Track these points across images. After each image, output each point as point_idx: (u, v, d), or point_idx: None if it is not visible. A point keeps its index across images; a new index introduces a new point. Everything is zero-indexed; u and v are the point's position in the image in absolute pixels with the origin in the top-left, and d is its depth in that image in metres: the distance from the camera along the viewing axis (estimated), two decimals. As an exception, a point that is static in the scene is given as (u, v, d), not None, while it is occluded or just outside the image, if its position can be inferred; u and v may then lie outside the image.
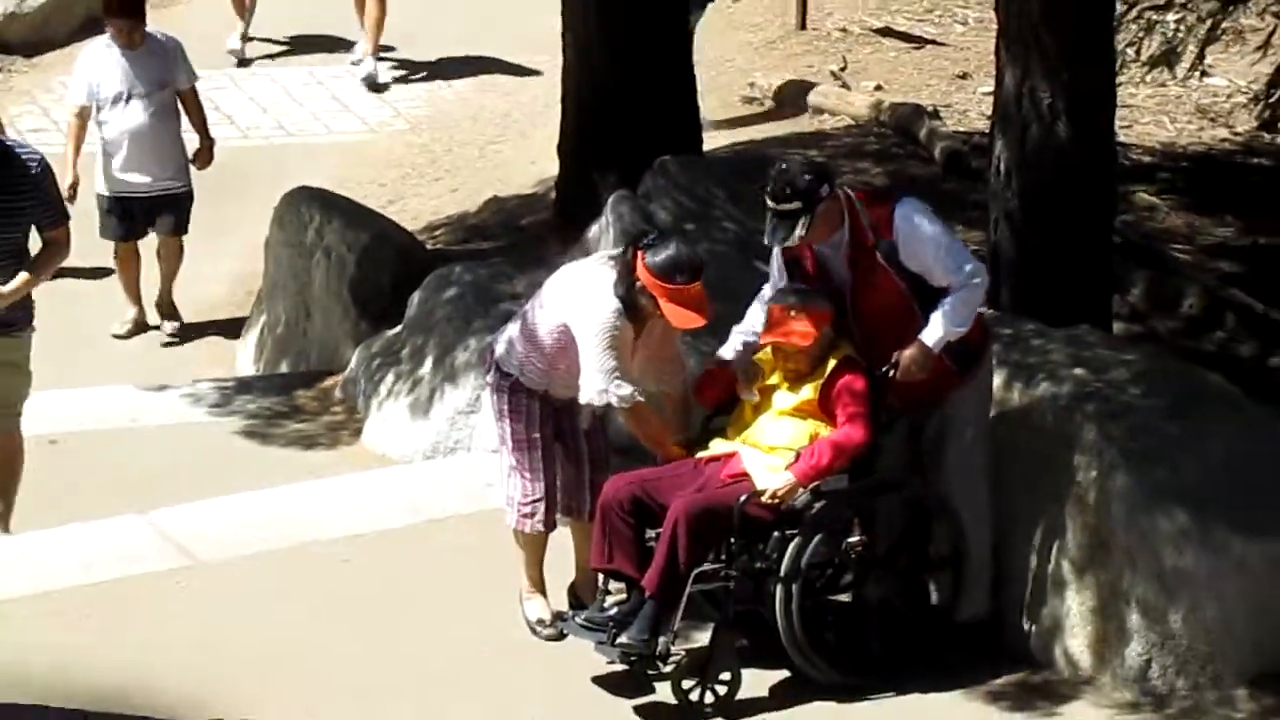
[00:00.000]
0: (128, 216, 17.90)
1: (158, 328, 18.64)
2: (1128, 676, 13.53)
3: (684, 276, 13.26)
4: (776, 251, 13.93)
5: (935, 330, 13.35)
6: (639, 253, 13.45)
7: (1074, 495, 13.85)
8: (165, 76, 18.09)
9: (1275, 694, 13.47)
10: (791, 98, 23.13)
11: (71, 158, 15.60)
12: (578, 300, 13.52)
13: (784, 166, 13.80)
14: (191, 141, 19.55)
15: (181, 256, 18.52)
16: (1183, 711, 13.42)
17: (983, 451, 13.81)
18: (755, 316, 14.00)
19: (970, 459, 13.82)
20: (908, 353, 13.40)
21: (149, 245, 19.08)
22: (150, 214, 17.77)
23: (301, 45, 26.51)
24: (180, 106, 18.29)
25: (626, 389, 13.23)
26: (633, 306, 13.31)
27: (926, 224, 13.51)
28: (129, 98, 17.76)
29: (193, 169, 18.58)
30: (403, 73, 24.42)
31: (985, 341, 13.88)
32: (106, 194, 17.95)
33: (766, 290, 14.12)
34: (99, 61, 18.22)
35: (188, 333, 18.73)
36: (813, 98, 22.77)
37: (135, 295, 18.05)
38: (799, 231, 13.28)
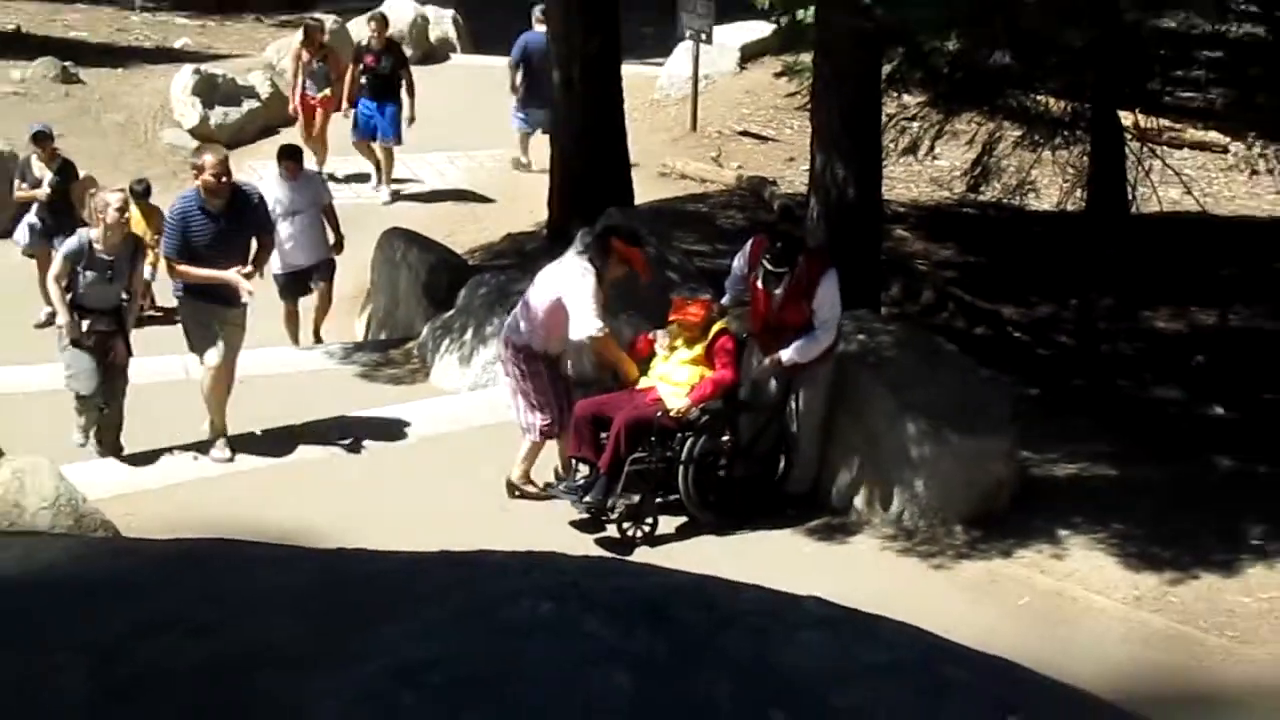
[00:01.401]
0: (294, 282, 17.75)
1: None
2: (890, 520, 13.60)
3: (638, 240, 14.18)
4: (739, 262, 14.21)
5: (789, 353, 13.62)
6: (612, 237, 14.06)
7: (858, 411, 13.90)
8: (315, 198, 17.74)
9: (977, 528, 13.50)
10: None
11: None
12: (565, 279, 13.77)
13: (780, 244, 13.93)
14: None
15: (332, 298, 18.27)
16: (922, 539, 13.46)
17: (823, 400, 13.86)
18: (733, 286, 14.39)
19: (815, 402, 13.86)
20: (768, 361, 13.78)
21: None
22: (309, 277, 17.66)
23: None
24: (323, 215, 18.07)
25: (600, 324, 13.50)
26: (602, 272, 13.59)
27: (834, 291, 13.63)
28: (293, 213, 17.44)
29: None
30: (451, 157, 24.21)
31: (837, 342, 13.89)
32: (279, 272, 17.75)
33: (735, 271, 14.41)
34: (273, 188, 17.57)
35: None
36: (699, 171, 22.77)
37: (293, 334, 17.95)
38: (782, 286, 13.62)
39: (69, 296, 12.93)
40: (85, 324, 12.91)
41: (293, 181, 17.71)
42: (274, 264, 17.29)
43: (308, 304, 18.41)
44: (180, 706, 2.99)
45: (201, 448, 14.27)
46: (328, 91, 22.41)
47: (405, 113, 21.48)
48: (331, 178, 21.46)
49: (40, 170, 18.12)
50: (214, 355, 13.83)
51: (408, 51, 30.03)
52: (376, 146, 21.29)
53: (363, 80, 21.66)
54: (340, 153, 23.27)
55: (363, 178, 22.48)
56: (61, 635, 3.29)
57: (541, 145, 21.60)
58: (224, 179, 13.27)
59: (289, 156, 18.03)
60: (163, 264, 16.23)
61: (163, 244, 13.62)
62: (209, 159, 13.21)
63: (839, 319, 13.83)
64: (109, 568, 4.03)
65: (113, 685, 3.05)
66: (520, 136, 24.44)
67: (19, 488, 11.44)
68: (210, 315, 13.71)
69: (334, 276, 18.15)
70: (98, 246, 12.58)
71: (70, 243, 12.91)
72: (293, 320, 17.94)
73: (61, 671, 3.13)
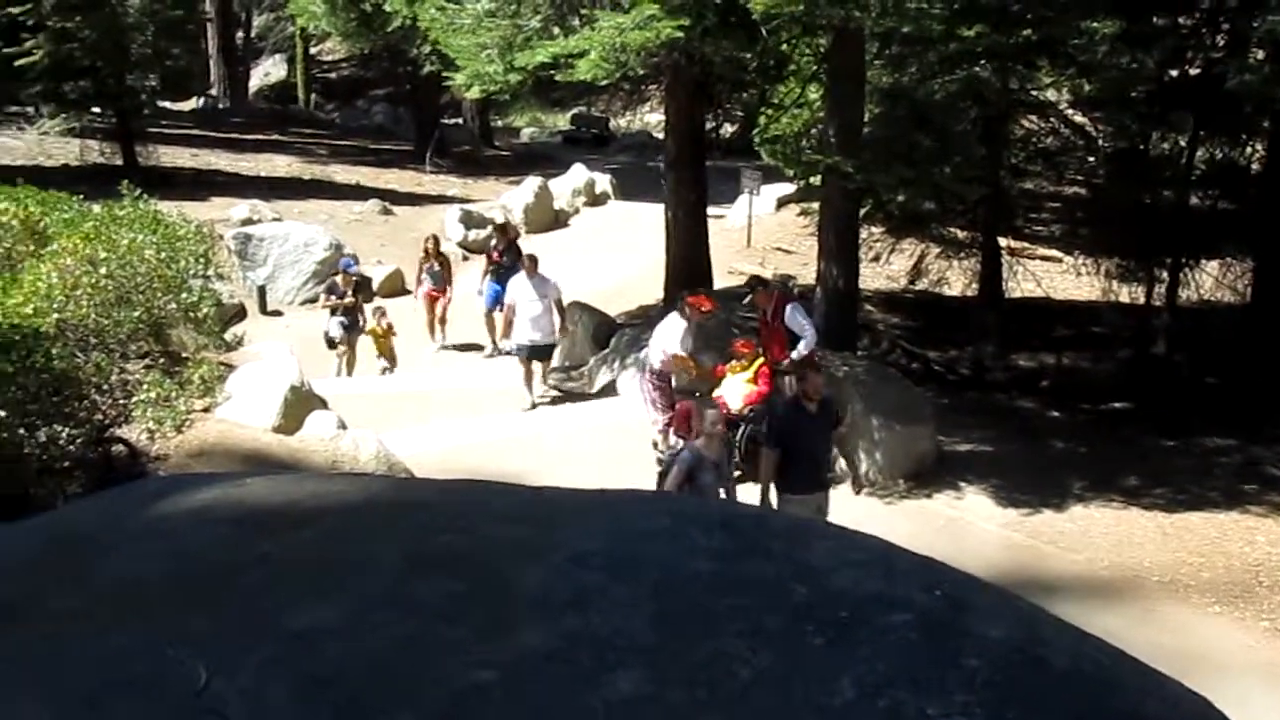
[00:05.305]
0: (532, 352, 15.94)
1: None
2: (863, 476, 13.36)
3: (698, 294, 14.20)
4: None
5: (799, 350, 13.27)
6: (685, 295, 14.15)
7: (840, 409, 13.76)
8: (547, 292, 16.19)
9: (912, 480, 13.36)
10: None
11: None
12: (666, 325, 13.85)
13: (749, 279, 14.53)
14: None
15: (549, 369, 16.64)
16: (880, 487, 13.30)
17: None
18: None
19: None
20: (786, 363, 13.46)
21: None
22: (537, 354, 16.11)
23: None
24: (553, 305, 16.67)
25: (678, 348, 13.63)
26: (683, 318, 13.67)
27: (801, 313, 13.45)
28: (531, 300, 16.02)
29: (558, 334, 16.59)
30: (609, 259, 24.16)
31: (813, 356, 13.72)
32: (522, 344, 16.10)
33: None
34: (518, 282, 16.37)
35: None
36: (755, 273, 22.60)
37: (530, 389, 16.34)
38: (748, 298, 14.05)
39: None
40: None
41: (531, 278, 16.35)
42: (517, 337, 16.36)
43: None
44: (442, 576, 3.01)
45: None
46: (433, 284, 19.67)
47: None
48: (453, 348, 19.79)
49: (344, 287, 18.01)
50: None
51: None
52: (499, 318, 18.42)
53: (490, 268, 19.18)
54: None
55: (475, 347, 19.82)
56: (382, 532, 3.32)
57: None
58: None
59: (529, 258, 16.84)
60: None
61: (765, 440, 11.33)
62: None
63: (814, 334, 13.75)
64: (409, 494, 4.05)
65: (412, 560, 3.08)
66: None
67: (355, 447, 11.52)
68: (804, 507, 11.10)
69: (554, 351, 16.81)
70: (706, 452, 10.55)
71: (685, 455, 10.71)
72: (529, 378, 16.30)
73: (380, 553, 3.15)
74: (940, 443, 14.41)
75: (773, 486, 10.66)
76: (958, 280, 19.64)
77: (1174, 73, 16.73)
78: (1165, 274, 17.41)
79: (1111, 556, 12.15)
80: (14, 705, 2.52)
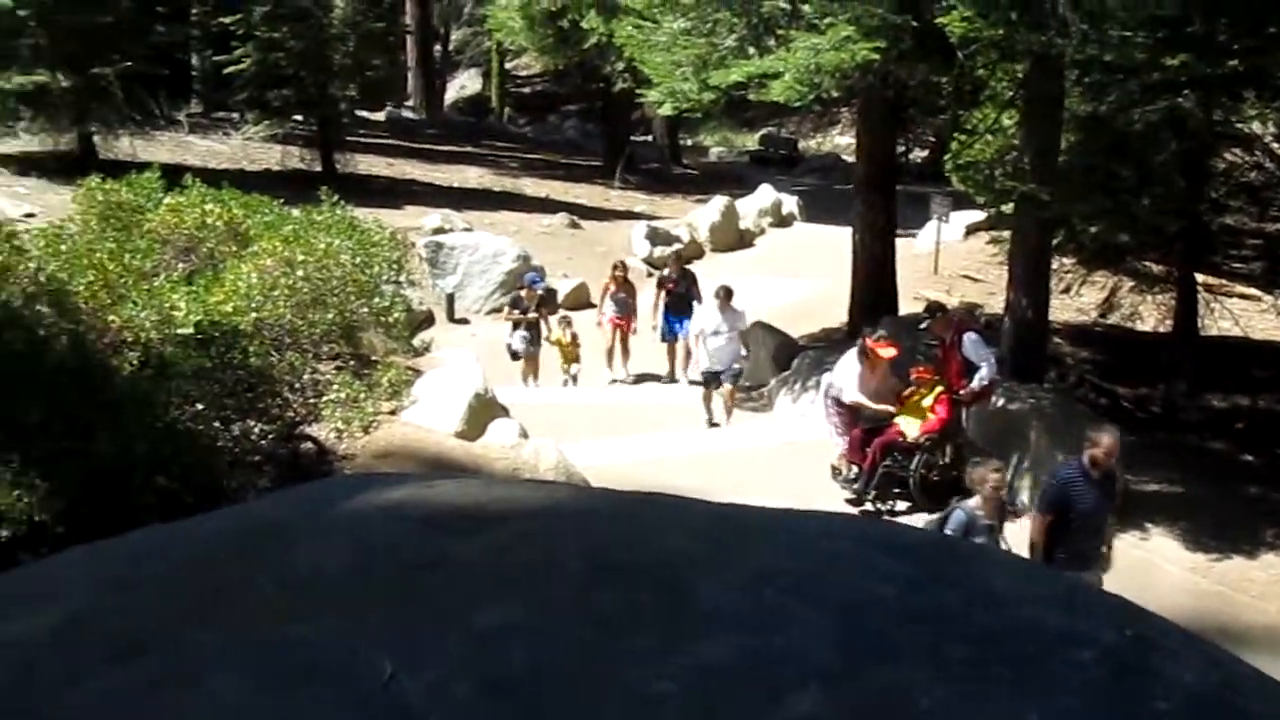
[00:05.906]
0: (712, 378, 16.05)
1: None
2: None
3: (879, 338, 13.85)
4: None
5: (977, 380, 13.17)
6: (865, 339, 13.90)
7: (1026, 443, 13.52)
8: (735, 324, 16.14)
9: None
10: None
11: None
12: (848, 362, 13.75)
13: (928, 304, 14.43)
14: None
15: (735, 396, 16.40)
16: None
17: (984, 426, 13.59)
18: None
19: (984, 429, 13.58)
20: (963, 393, 13.38)
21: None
22: (720, 378, 15.99)
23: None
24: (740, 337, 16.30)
25: (847, 390, 13.78)
26: (863, 361, 13.70)
27: (981, 343, 13.28)
28: (717, 332, 15.98)
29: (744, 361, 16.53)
30: (795, 282, 24.09)
31: (993, 387, 13.55)
32: (705, 370, 16.26)
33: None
34: (708, 312, 16.40)
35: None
36: (937, 299, 22.34)
37: (709, 410, 16.26)
38: (926, 323, 14.19)
39: None
40: None
41: (725, 311, 16.26)
42: (701, 362, 16.51)
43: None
44: (624, 586, 3.04)
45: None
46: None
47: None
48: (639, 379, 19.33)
49: (528, 302, 18.25)
50: None
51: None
52: (679, 347, 18.42)
53: (665, 299, 18.79)
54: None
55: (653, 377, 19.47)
56: (565, 539, 3.36)
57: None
58: (1112, 458, 9.78)
59: (724, 289, 16.59)
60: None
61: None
62: (1105, 440, 9.74)
63: (994, 366, 13.59)
64: (592, 504, 4.09)
65: (594, 568, 3.11)
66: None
67: (535, 456, 11.68)
68: None
69: (740, 377, 16.68)
70: (979, 513, 9.80)
71: (959, 515, 9.85)
72: (708, 399, 16.38)
73: (563, 560, 3.19)
74: (1127, 481, 14.08)
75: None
76: (1151, 316, 19.21)
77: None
78: (1372, 317, 16.90)
79: (1304, 609, 11.80)
80: (215, 685, 2.61)
